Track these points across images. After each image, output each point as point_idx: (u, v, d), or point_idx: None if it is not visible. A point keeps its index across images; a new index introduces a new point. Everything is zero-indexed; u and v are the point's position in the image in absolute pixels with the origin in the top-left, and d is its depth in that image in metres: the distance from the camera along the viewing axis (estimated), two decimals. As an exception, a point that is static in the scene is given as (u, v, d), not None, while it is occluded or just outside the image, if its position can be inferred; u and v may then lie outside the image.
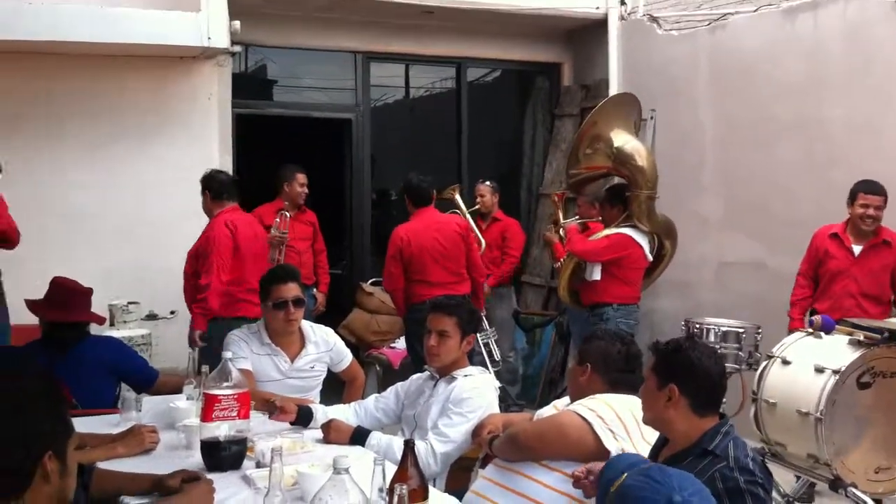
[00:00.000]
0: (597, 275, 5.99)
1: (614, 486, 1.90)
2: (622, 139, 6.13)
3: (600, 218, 6.36)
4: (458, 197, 7.27)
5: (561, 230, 6.62)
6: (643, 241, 6.07)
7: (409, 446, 2.50)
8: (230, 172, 7.19)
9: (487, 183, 7.47)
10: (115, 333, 5.76)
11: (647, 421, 2.84)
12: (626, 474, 1.89)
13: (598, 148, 6.17)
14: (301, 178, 6.85)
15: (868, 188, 5.24)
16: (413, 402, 3.85)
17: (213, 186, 5.72)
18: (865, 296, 5.26)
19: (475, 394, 3.64)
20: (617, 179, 6.56)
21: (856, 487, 3.74)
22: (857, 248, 5.33)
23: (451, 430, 3.56)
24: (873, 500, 3.78)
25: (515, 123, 9.24)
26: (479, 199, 7.38)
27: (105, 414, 3.91)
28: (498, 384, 3.91)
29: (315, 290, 6.86)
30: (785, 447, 4.00)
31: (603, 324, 5.87)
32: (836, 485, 3.75)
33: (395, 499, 2.17)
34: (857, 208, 5.23)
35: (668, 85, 7.34)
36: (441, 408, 3.65)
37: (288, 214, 6.70)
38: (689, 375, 2.71)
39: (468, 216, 7.14)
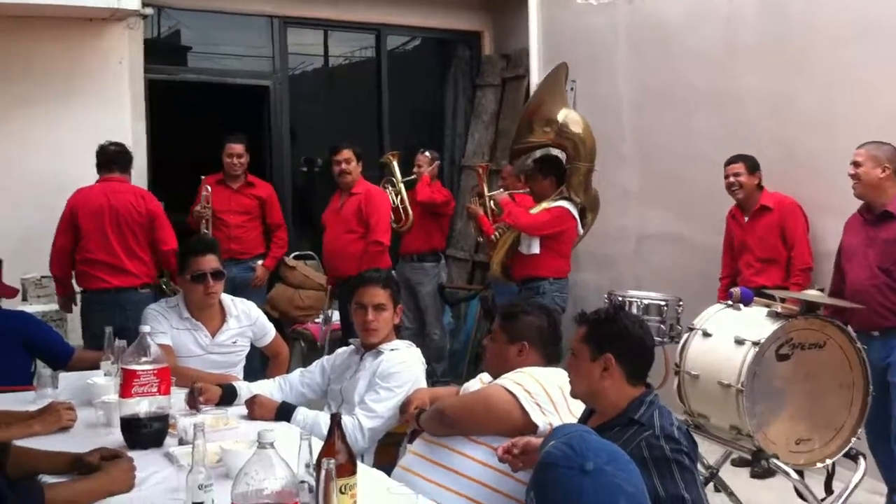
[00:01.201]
0: (536, 248, 5.96)
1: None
2: (563, 113, 6.11)
3: (527, 190, 6.32)
4: (395, 164, 7.18)
5: (490, 202, 6.54)
6: (577, 215, 6.08)
7: (335, 420, 2.44)
8: (143, 139, 7.04)
9: (427, 153, 7.35)
10: (27, 309, 5.54)
11: (577, 394, 2.84)
12: (552, 442, 1.88)
13: (542, 122, 6.11)
14: (231, 148, 6.66)
15: (728, 160, 5.61)
16: (339, 377, 3.80)
17: (97, 157, 5.81)
18: (761, 261, 5.46)
19: (402, 368, 3.61)
20: (555, 151, 6.56)
21: (777, 458, 3.80)
22: (746, 219, 5.62)
23: (379, 405, 3.53)
24: (795, 471, 3.85)
25: (437, 92, 9.17)
26: (416, 169, 7.25)
27: (20, 391, 3.79)
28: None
29: (257, 262, 6.71)
30: (708, 419, 4.05)
31: (539, 297, 5.84)
32: (759, 456, 3.80)
33: (323, 473, 2.13)
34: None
35: (588, 55, 7.36)
36: (368, 382, 3.62)
37: (209, 188, 6.58)
38: (624, 344, 2.72)
39: (402, 185, 7.07)
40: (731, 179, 5.57)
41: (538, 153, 6.67)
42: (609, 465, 1.81)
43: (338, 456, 2.34)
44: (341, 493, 2.34)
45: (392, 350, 3.69)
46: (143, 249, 5.71)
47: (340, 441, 2.43)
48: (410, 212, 7.03)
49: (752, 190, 5.57)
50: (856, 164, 4.44)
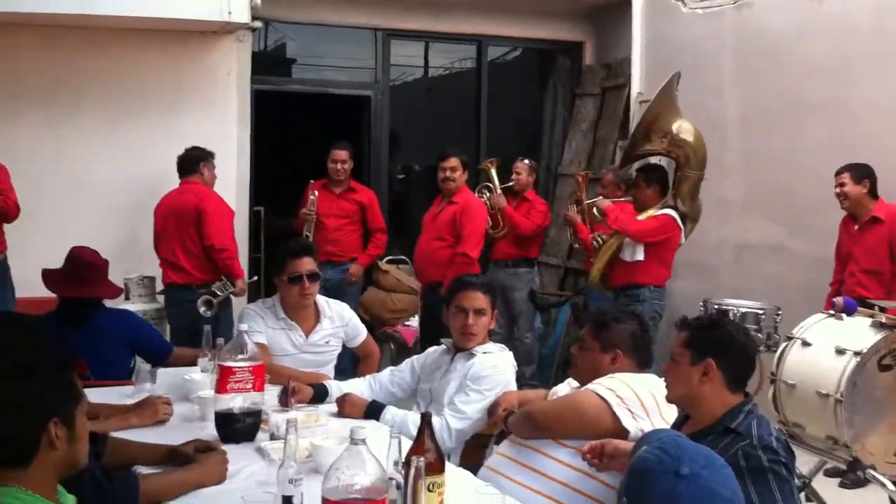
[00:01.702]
0: (640, 255, 5.92)
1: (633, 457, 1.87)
2: (678, 123, 6.04)
3: (629, 198, 6.25)
4: (493, 171, 7.20)
5: (588, 210, 6.51)
6: (681, 223, 6.02)
7: (426, 420, 2.47)
8: (247, 147, 7.24)
9: (526, 161, 7.34)
10: (129, 307, 5.76)
11: (674, 398, 2.80)
12: (644, 447, 1.85)
13: (658, 132, 6.06)
14: (335, 154, 6.81)
15: (839, 169, 5.48)
16: (429, 377, 3.83)
17: None
18: (865, 272, 5.33)
19: (494, 371, 3.62)
20: (659, 160, 6.52)
21: (874, 469, 3.70)
22: (856, 228, 5.50)
23: (468, 407, 3.54)
24: (892, 482, 3.73)
25: (535, 102, 9.17)
26: (514, 177, 7.26)
27: (119, 386, 3.91)
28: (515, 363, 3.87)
29: (352, 263, 6.82)
30: (803, 428, 3.95)
31: (639, 305, 5.82)
32: (855, 466, 3.72)
33: (412, 471, 2.15)
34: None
35: (692, 65, 7.23)
36: (459, 384, 3.63)
37: (316, 192, 6.74)
38: (727, 350, 2.70)
39: (500, 191, 7.09)
40: (837, 189, 5.47)
41: (640, 162, 6.58)
42: (705, 469, 1.77)
43: (427, 454, 2.36)
44: (429, 490, 2.36)
45: (485, 353, 3.70)
46: (198, 247, 5.91)
47: (430, 440, 2.45)
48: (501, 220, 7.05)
49: (858, 199, 5.43)
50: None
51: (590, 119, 8.51)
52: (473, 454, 3.55)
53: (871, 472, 3.69)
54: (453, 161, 6.34)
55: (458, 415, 3.53)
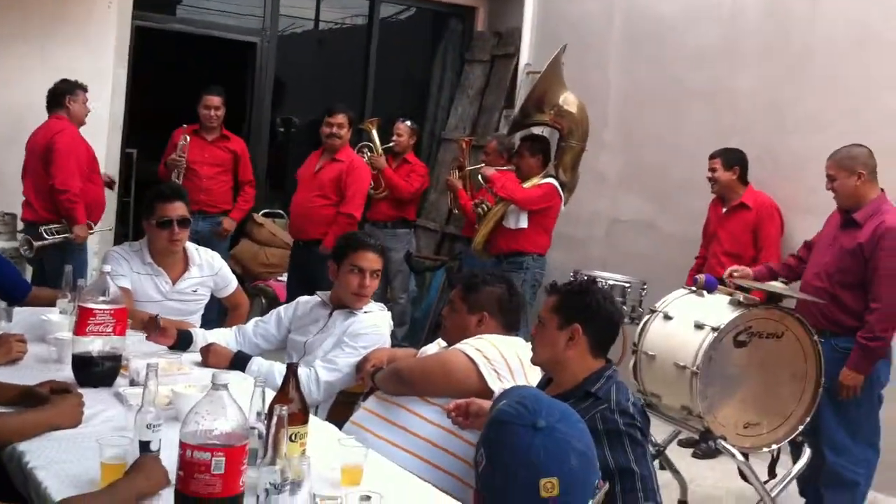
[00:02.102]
0: (524, 223, 5.98)
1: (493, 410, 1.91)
2: (563, 95, 6.10)
3: (512, 167, 6.28)
4: (374, 131, 7.13)
5: (478, 176, 6.43)
6: (562, 193, 6.11)
7: (291, 370, 2.45)
8: (123, 85, 6.97)
9: (408, 122, 7.30)
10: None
11: (539, 361, 2.86)
12: (504, 401, 1.89)
13: (547, 105, 6.11)
14: (208, 100, 6.56)
15: (712, 153, 5.63)
16: (303, 328, 3.78)
17: None
18: (727, 254, 5.49)
19: (373, 330, 3.62)
20: (542, 130, 6.59)
21: (725, 440, 3.86)
22: (723, 211, 5.65)
23: (340, 360, 3.53)
24: (741, 453, 3.91)
25: (425, 64, 9.13)
26: (395, 138, 7.20)
27: (-28, 322, 3.73)
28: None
29: (224, 217, 6.65)
30: (660, 398, 4.09)
31: (522, 272, 5.93)
32: (707, 436, 3.86)
33: (275, 419, 2.13)
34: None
35: (580, 40, 7.32)
36: (336, 340, 3.61)
37: (188, 137, 6.50)
38: (594, 316, 2.76)
39: (381, 152, 7.04)
40: (709, 174, 5.62)
41: (523, 132, 6.64)
42: (560, 422, 1.83)
43: (291, 404, 2.34)
44: (291, 440, 2.35)
45: (366, 312, 3.69)
46: (46, 186, 5.69)
47: (294, 390, 2.44)
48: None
49: (728, 184, 5.57)
50: (830, 178, 4.38)
51: (477, 86, 8.53)
52: (341, 411, 3.53)
53: (722, 442, 3.85)
54: (341, 117, 6.23)
55: (329, 366, 3.51)
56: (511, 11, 8.34)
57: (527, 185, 6.07)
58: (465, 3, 8.87)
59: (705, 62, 6.41)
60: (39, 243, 5.61)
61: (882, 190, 4.33)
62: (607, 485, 1.85)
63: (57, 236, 5.65)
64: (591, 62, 7.25)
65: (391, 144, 7.17)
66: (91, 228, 5.85)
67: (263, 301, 7.17)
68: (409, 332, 7.45)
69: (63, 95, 5.80)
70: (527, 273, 5.96)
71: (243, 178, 6.77)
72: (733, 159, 5.58)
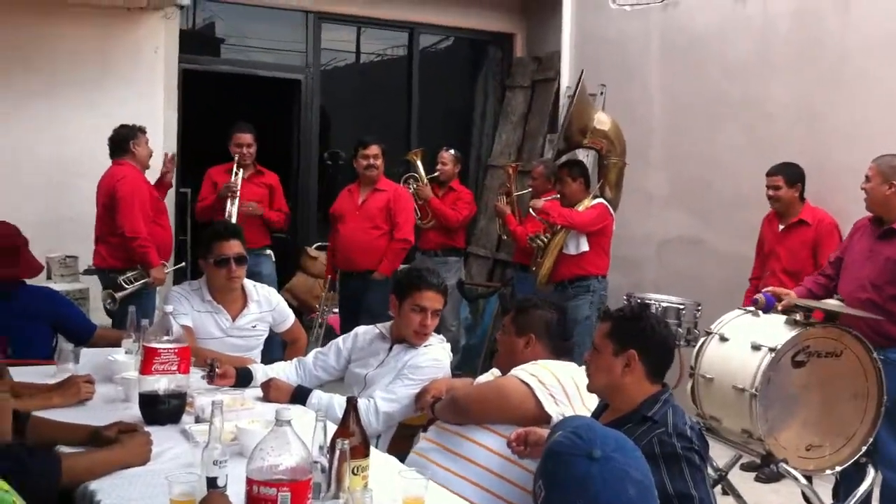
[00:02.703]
0: (584, 246, 5.97)
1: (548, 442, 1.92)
2: (595, 116, 6.15)
3: (556, 196, 6.27)
4: (419, 162, 7.20)
5: (531, 211, 6.45)
6: (612, 212, 6.13)
7: (351, 403, 2.49)
8: (174, 127, 7.13)
9: (451, 151, 7.37)
10: (52, 286, 5.64)
11: (596, 388, 2.86)
12: (559, 432, 1.91)
13: (581, 133, 6.16)
14: (238, 137, 6.63)
15: (769, 170, 5.53)
16: (363, 361, 3.82)
17: None
18: (786, 272, 5.41)
19: (433, 364, 3.65)
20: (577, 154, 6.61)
21: (787, 463, 3.81)
22: (780, 228, 5.56)
23: (399, 391, 3.56)
24: (804, 476, 3.86)
25: (466, 93, 9.22)
26: (439, 167, 7.28)
27: (41, 364, 3.84)
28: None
29: (265, 252, 6.71)
30: (720, 422, 4.06)
31: (589, 296, 5.93)
32: (768, 460, 3.82)
33: (337, 453, 2.17)
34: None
35: (620, 60, 7.37)
36: (396, 374, 3.64)
37: (240, 172, 6.59)
38: (649, 342, 2.77)
39: (426, 182, 7.11)
40: (770, 192, 5.51)
41: (563, 158, 6.66)
42: (616, 452, 1.83)
43: (352, 438, 2.38)
44: (353, 474, 2.38)
45: (426, 346, 3.72)
46: (112, 233, 5.77)
47: (355, 424, 2.47)
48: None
49: (789, 202, 5.49)
50: (866, 179, 4.40)
51: (520, 111, 8.58)
52: (402, 443, 3.57)
53: (784, 465, 3.80)
54: (375, 148, 6.35)
55: (388, 397, 3.54)
56: (549, 36, 8.39)
57: (580, 207, 6.06)
58: (503, 29, 8.95)
59: (741, 74, 6.41)
60: (121, 294, 5.67)
61: None
62: (667, 515, 1.85)
63: (136, 283, 5.71)
64: (632, 81, 7.28)
65: (436, 174, 7.24)
66: (165, 268, 5.96)
67: (321, 333, 7.24)
68: (463, 359, 7.47)
69: (126, 141, 5.89)
70: (594, 296, 5.95)
71: (276, 208, 6.79)
72: (795, 176, 5.49)
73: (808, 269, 5.34)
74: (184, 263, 7.00)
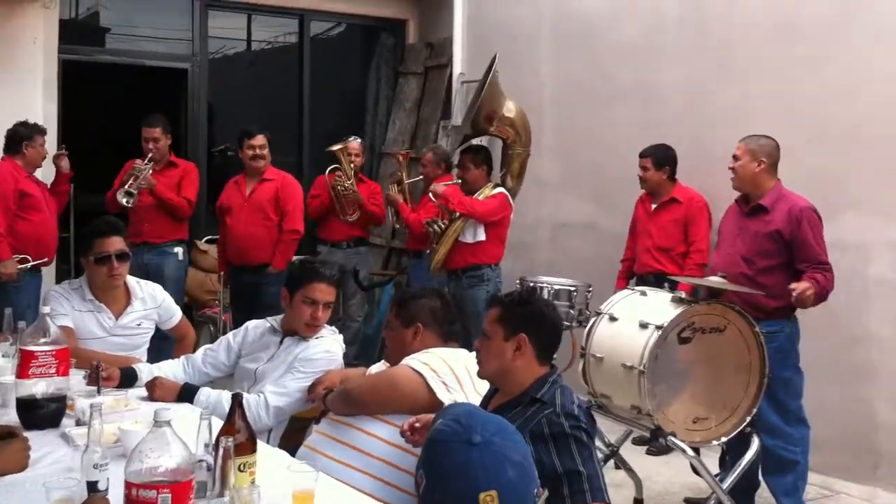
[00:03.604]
0: (482, 235, 5.95)
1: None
2: (505, 104, 6.10)
3: (458, 180, 6.19)
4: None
5: (430, 195, 6.27)
6: (511, 201, 6.13)
7: (236, 400, 2.44)
8: (54, 120, 6.89)
9: (359, 140, 7.19)
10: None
11: (487, 373, 2.88)
12: (441, 419, 1.91)
13: (494, 119, 6.10)
14: (144, 131, 6.40)
15: (641, 152, 5.73)
16: (254, 355, 3.77)
17: None
18: (659, 249, 5.63)
19: (325, 356, 3.62)
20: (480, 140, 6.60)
21: (675, 436, 3.91)
22: (653, 207, 5.78)
23: (290, 385, 3.52)
24: (692, 448, 3.97)
25: (359, 80, 9.15)
26: (354, 158, 7.01)
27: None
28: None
29: (175, 248, 6.50)
30: (610, 399, 4.13)
31: (484, 284, 5.93)
32: (657, 434, 3.91)
33: (221, 451, 2.12)
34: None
35: (512, 45, 7.40)
36: (287, 367, 3.60)
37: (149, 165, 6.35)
38: (539, 326, 2.80)
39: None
40: (640, 173, 5.74)
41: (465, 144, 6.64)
42: (496, 435, 1.85)
43: (237, 435, 2.34)
44: (240, 471, 2.34)
45: (318, 338, 3.68)
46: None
47: (241, 420, 2.43)
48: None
49: (657, 183, 5.71)
50: (734, 158, 4.53)
51: (413, 98, 8.57)
52: (294, 436, 3.53)
53: (672, 438, 3.90)
54: (261, 138, 6.30)
55: (279, 390, 3.50)
56: (441, 22, 8.40)
57: (480, 196, 6.04)
58: (395, 15, 8.92)
59: (631, 58, 6.52)
60: None
61: (779, 180, 4.47)
62: (546, 492, 1.87)
63: None
64: (523, 66, 7.32)
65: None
66: (26, 263, 5.74)
67: (212, 328, 7.11)
68: (362, 350, 7.43)
69: (19, 141, 5.85)
70: (489, 284, 5.94)
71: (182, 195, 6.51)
72: (664, 158, 5.70)
73: (678, 246, 5.60)
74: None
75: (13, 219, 5.72)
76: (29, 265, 5.73)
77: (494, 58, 6.10)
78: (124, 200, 6.11)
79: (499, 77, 6.14)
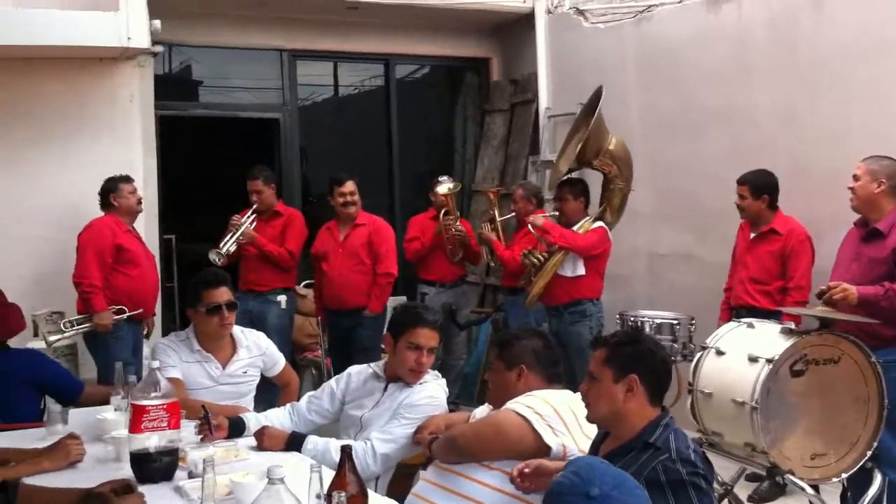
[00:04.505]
0: (581, 269, 5.90)
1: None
2: (609, 138, 6.04)
3: (555, 214, 6.17)
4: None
5: (529, 227, 6.20)
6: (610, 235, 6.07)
7: (346, 452, 2.44)
8: (154, 174, 7.10)
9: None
10: (37, 345, 5.58)
11: (597, 417, 2.81)
12: (561, 472, 1.87)
13: (600, 151, 6.05)
14: (248, 184, 6.57)
15: (738, 178, 5.44)
16: (358, 402, 3.77)
17: None
18: (754, 281, 5.33)
19: (429, 401, 3.61)
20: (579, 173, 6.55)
21: (793, 474, 3.76)
22: (752, 236, 5.47)
23: (396, 431, 3.51)
24: (811, 485, 3.82)
25: (445, 120, 9.23)
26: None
27: (29, 428, 3.76)
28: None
29: (278, 297, 6.60)
30: (722, 436, 4.00)
31: (586, 320, 5.89)
32: (773, 472, 3.77)
33: (334, 506, 2.12)
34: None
35: (596, 78, 7.31)
36: (392, 414, 3.59)
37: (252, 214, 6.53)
38: (649, 365, 2.74)
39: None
40: (737, 201, 5.44)
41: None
42: (615, 490, 1.80)
43: (348, 488, 2.33)
44: (353, 523, 2.33)
45: (421, 384, 3.67)
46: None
47: (351, 472, 2.42)
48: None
49: (756, 213, 5.38)
50: (855, 178, 4.40)
51: (500, 135, 8.58)
52: (401, 484, 3.52)
53: (790, 476, 3.75)
54: (351, 185, 6.38)
55: (385, 437, 3.49)
56: (525, 58, 8.41)
57: (580, 229, 5.99)
58: (478, 54, 8.98)
59: (719, 82, 6.42)
60: (55, 338, 5.75)
61: None
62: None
63: (78, 327, 5.80)
64: (610, 97, 7.16)
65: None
66: (122, 314, 5.86)
67: (314, 372, 7.17)
68: (461, 388, 7.41)
69: (107, 195, 6.04)
70: (591, 320, 5.90)
71: (286, 246, 6.57)
72: (762, 186, 5.36)
73: (774, 280, 5.26)
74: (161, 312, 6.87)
75: (110, 272, 5.87)
76: (125, 315, 5.85)
77: (600, 90, 6.03)
78: (214, 259, 6.24)
79: (580, 110, 6.11)
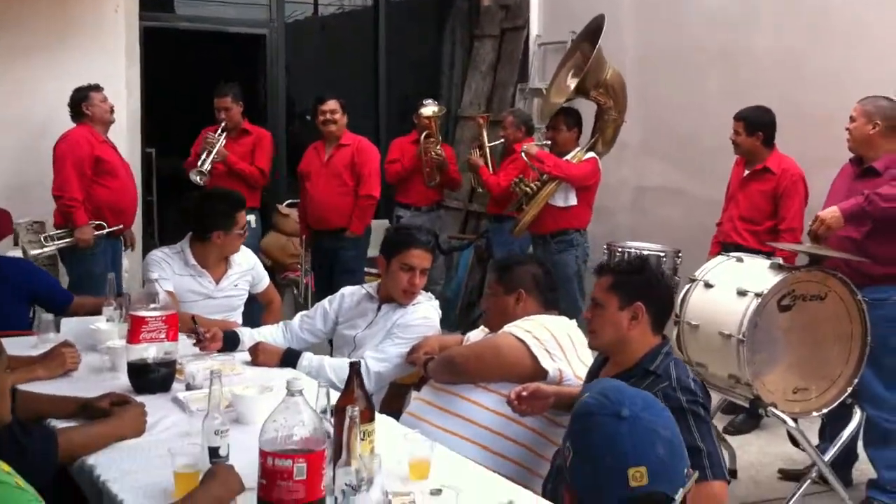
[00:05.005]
0: (573, 200, 5.90)
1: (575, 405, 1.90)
2: (606, 69, 5.98)
3: (547, 141, 6.13)
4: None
5: (522, 155, 6.12)
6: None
7: (353, 368, 2.45)
8: (137, 85, 6.97)
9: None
10: (17, 254, 5.52)
11: (601, 343, 2.84)
12: (586, 394, 1.89)
13: (599, 82, 6.00)
14: (216, 101, 6.40)
15: (735, 114, 5.32)
16: (351, 322, 3.79)
17: None
18: (743, 219, 5.27)
19: (423, 322, 3.65)
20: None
21: (775, 407, 3.84)
22: (745, 173, 5.37)
23: (389, 350, 3.55)
24: (791, 419, 3.90)
25: (433, 43, 9.09)
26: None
27: (21, 336, 3.76)
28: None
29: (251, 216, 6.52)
30: (706, 368, 4.06)
31: (572, 249, 5.92)
32: (756, 404, 3.84)
33: (347, 421, 2.13)
34: None
35: (590, 7, 7.25)
36: (386, 334, 3.63)
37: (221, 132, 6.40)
38: (654, 294, 2.77)
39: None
40: (732, 137, 5.33)
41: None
42: (644, 411, 1.82)
43: (358, 403, 2.35)
44: (361, 439, 2.35)
45: (414, 304, 3.70)
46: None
47: (360, 389, 2.44)
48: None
49: (750, 149, 5.27)
50: (851, 119, 4.38)
51: (489, 61, 8.49)
52: (394, 403, 3.57)
53: (773, 409, 3.83)
54: (332, 104, 6.28)
55: (379, 356, 3.53)
56: (516, -17, 8.28)
57: (573, 159, 5.97)
58: (470, -23, 8.83)
59: (721, 23, 6.35)
60: (36, 252, 5.67)
61: None
62: (697, 473, 1.84)
63: (59, 241, 5.71)
64: (604, 29, 7.17)
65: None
66: (102, 229, 5.78)
67: (295, 291, 7.18)
68: (442, 313, 7.43)
69: (78, 105, 5.84)
70: (577, 249, 5.94)
71: (256, 164, 6.48)
72: (757, 123, 5.23)
73: (765, 220, 5.19)
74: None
75: (90, 185, 5.75)
76: (105, 231, 5.78)
77: (601, 20, 5.93)
78: (197, 179, 6.16)
79: (572, 39, 6.05)
